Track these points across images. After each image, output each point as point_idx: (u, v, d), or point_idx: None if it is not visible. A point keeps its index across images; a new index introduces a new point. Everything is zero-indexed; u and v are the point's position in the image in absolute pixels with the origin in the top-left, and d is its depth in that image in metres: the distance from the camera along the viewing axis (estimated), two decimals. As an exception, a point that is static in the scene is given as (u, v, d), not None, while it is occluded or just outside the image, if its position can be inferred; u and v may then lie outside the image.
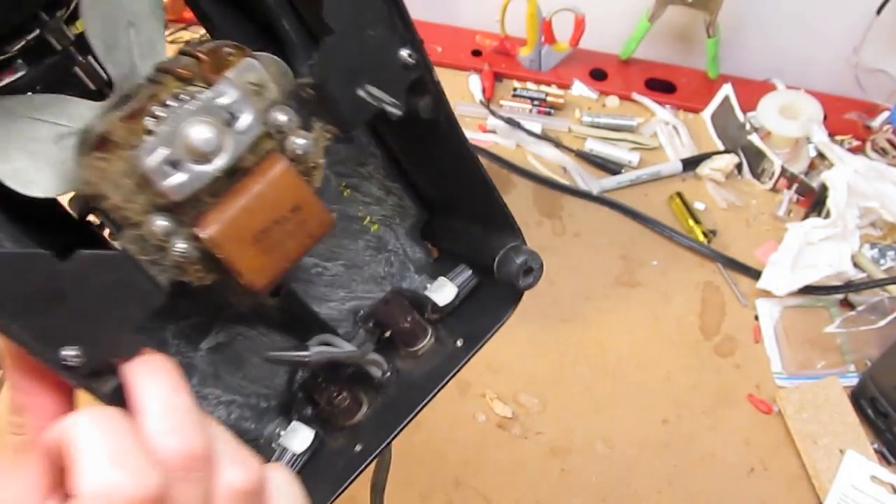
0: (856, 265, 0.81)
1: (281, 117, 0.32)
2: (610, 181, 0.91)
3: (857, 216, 0.82)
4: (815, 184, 0.86)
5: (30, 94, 0.33)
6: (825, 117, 0.89)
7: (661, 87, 1.01)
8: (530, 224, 0.88)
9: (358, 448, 0.41)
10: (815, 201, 0.86)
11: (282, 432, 0.43)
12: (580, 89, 1.01)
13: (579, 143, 0.95)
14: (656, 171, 0.91)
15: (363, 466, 0.40)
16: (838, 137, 0.93)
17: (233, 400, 0.42)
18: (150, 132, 0.30)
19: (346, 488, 0.40)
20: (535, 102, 0.98)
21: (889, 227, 0.85)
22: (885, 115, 0.94)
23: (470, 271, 0.45)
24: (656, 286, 0.83)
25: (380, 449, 0.40)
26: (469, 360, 0.43)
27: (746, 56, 1.02)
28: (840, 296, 0.80)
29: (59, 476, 0.29)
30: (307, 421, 0.43)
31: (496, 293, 0.44)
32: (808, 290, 0.79)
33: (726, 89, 0.96)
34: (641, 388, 0.76)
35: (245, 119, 0.31)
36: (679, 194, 0.89)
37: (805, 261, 0.80)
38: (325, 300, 0.44)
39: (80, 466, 0.25)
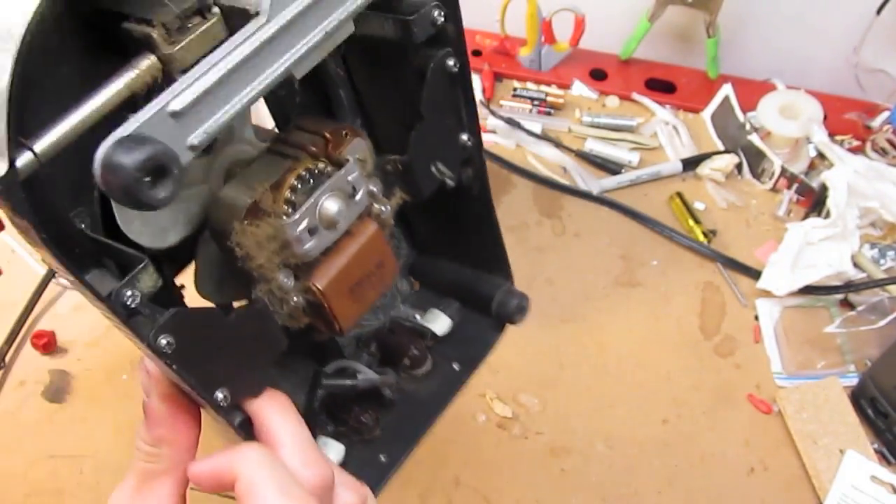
0: (856, 265, 0.81)
1: (373, 187, 0.38)
2: (610, 181, 0.91)
3: (857, 216, 0.82)
4: (815, 184, 0.86)
5: None
6: (825, 117, 0.89)
7: (661, 87, 1.01)
8: (530, 224, 0.88)
9: (383, 458, 0.47)
10: (815, 201, 0.86)
11: None
12: (580, 89, 1.01)
13: (579, 143, 0.95)
14: (656, 171, 0.91)
15: (392, 472, 0.46)
16: (838, 137, 0.93)
17: None
18: (290, 201, 0.35)
19: (381, 491, 0.46)
20: (535, 102, 0.99)
21: (889, 227, 0.85)
22: (885, 115, 0.94)
23: (457, 304, 0.52)
24: (656, 286, 0.83)
25: (404, 457, 0.47)
26: (468, 380, 0.51)
27: (746, 56, 1.02)
28: (840, 296, 0.80)
29: (181, 501, 0.34)
30: (330, 437, 0.48)
31: (480, 322, 0.52)
32: (808, 290, 0.79)
33: (726, 89, 0.96)
34: (641, 388, 0.76)
35: (361, 192, 0.37)
36: (679, 194, 0.89)
37: (805, 261, 0.80)
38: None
39: (258, 497, 0.30)
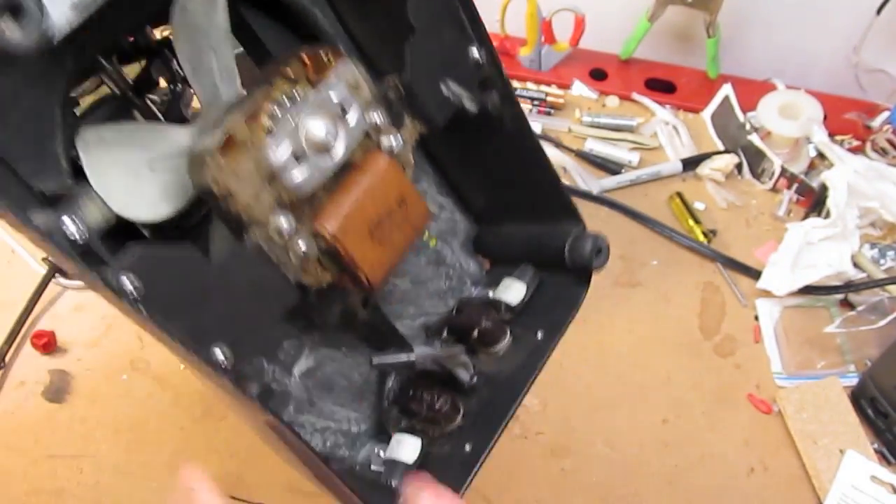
0: (856, 265, 0.81)
1: (375, 117, 0.34)
2: (610, 181, 0.91)
3: (857, 216, 0.82)
4: (815, 184, 0.86)
5: (120, 122, 0.34)
6: (825, 117, 0.89)
7: (661, 87, 1.01)
8: (530, 224, 0.88)
9: (468, 448, 0.41)
10: (815, 201, 0.86)
11: (381, 452, 0.42)
12: (580, 89, 1.01)
13: (579, 143, 0.95)
14: (656, 171, 0.91)
15: (481, 461, 0.41)
16: (838, 137, 0.93)
17: (327, 427, 0.42)
18: (269, 131, 0.31)
19: (470, 483, 0.41)
20: (535, 102, 0.98)
21: (889, 227, 0.85)
22: (885, 115, 0.94)
23: (532, 268, 0.46)
24: (656, 286, 0.83)
25: (492, 443, 0.41)
26: (555, 347, 0.45)
27: (746, 56, 1.02)
28: (840, 296, 0.80)
29: None
30: (405, 433, 0.43)
31: (561, 282, 0.45)
32: (808, 290, 0.79)
33: (726, 89, 0.96)
34: (641, 388, 0.76)
35: (353, 113, 0.33)
36: (679, 194, 0.89)
37: (805, 261, 0.80)
38: (398, 317, 0.44)
39: None
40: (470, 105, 0.39)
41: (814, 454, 0.70)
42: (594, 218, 0.88)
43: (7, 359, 0.77)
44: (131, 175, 0.32)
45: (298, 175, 0.32)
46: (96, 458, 0.71)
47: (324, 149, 0.32)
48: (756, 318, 0.80)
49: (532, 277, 0.45)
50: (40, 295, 0.82)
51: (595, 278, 0.84)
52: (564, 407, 0.74)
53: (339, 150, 0.33)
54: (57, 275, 0.82)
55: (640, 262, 0.85)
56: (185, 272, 0.29)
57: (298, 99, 0.32)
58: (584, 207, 0.89)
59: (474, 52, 0.38)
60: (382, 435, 0.43)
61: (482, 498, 0.69)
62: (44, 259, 0.83)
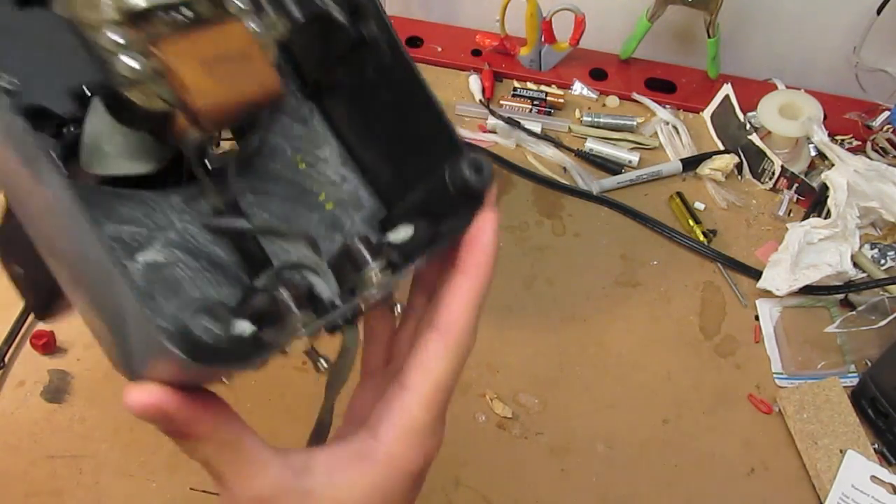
0: (856, 265, 0.81)
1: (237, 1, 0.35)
2: (610, 181, 0.91)
3: (858, 216, 0.82)
4: (815, 184, 0.86)
5: None
6: (825, 117, 0.89)
7: (661, 86, 1.01)
8: (530, 224, 0.88)
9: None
10: (815, 201, 0.86)
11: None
12: (580, 89, 1.01)
13: (579, 143, 0.95)
14: (656, 171, 0.91)
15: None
16: (838, 137, 0.93)
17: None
18: None
19: None
20: (535, 102, 0.98)
21: (889, 227, 0.85)
22: (885, 115, 0.94)
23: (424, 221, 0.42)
24: (656, 286, 0.83)
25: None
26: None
27: (746, 56, 1.02)
28: (840, 296, 0.80)
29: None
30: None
31: (451, 211, 0.41)
32: (808, 290, 0.79)
33: (726, 89, 0.96)
34: (641, 388, 0.76)
35: None
36: (679, 194, 0.89)
37: (805, 261, 0.80)
38: (278, 257, 0.41)
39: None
40: (337, 16, 0.38)
41: (814, 454, 0.70)
42: (594, 218, 0.89)
43: (7, 359, 0.77)
44: None
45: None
46: (96, 458, 0.71)
47: None
48: (756, 318, 0.80)
49: (422, 223, 0.42)
50: (40, 295, 0.82)
51: (595, 278, 0.84)
52: (564, 407, 0.74)
53: None
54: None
55: (640, 262, 0.85)
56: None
57: None
58: (584, 207, 0.90)
59: None
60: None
61: (482, 498, 0.69)
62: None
